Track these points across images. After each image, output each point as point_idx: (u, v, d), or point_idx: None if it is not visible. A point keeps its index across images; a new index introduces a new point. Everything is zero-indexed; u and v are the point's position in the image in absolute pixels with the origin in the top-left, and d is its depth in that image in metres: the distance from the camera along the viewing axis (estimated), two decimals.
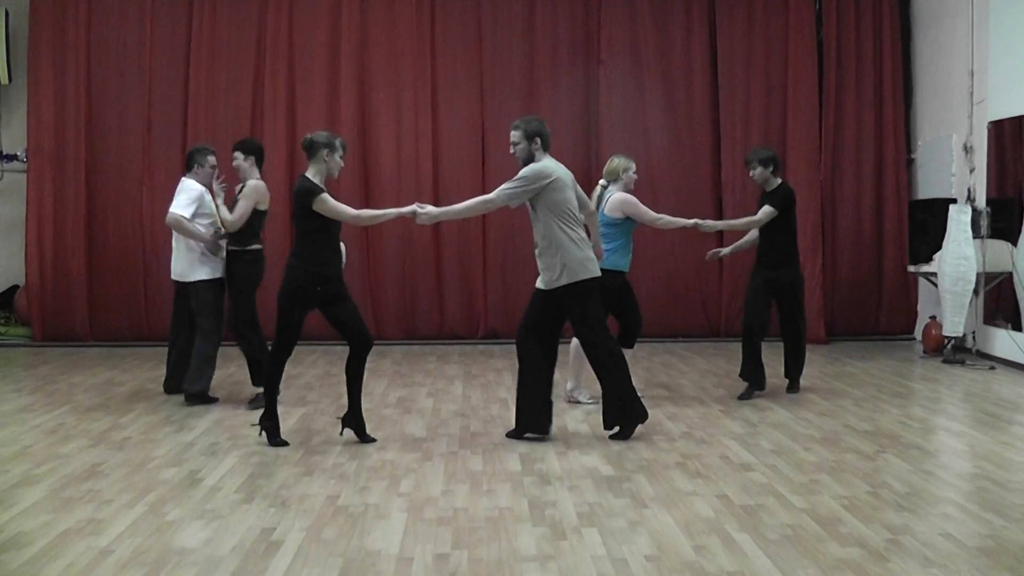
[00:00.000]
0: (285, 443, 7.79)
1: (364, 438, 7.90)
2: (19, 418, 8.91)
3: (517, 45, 13.98)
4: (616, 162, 9.49)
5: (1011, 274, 11.64)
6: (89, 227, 13.65)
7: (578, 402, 9.49)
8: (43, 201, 13.62)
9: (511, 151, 7.91)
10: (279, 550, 5.42)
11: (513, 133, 7.87)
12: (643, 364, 11.64)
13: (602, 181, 9.53)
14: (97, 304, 13.71)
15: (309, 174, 7.73)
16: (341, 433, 7.95)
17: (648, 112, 13.95)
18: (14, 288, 14.04)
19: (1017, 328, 11.51)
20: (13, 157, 13.82)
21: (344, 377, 7.99)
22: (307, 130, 13.62)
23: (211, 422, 8.65)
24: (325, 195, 7.63)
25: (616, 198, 9.27)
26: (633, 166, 9.52)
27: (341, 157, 7.85)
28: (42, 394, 10.11)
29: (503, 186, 7.81)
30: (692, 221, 9.78)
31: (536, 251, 7.92)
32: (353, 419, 7.93)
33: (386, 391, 10.17)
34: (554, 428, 8.14)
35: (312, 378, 10.99)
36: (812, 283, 13.61)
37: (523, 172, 7.76)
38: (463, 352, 13.06)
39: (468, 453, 7.60)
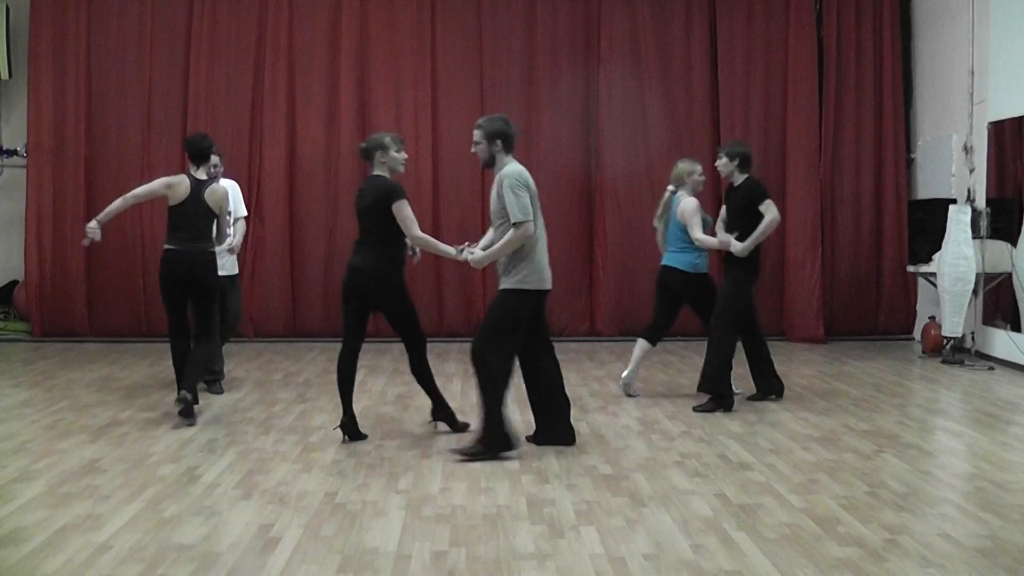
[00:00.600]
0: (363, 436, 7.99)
1: (455, 427, 8.18)
2: (18, 413, 8.91)
3: (517, 44, 13.98)
4: (681, 167, 9.59)
5: (1010, 275, 11.64)
6: (88, 222, 13.61)
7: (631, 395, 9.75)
8: (43, 197, 13.62)
9: (472, 150, 7.70)
10: (277, 547, 5.42)
11: (475, 132, 7.60)
12: (643, 365, 11.63)
13: (670, 187, 9.60)
14: (96, 300, 13.71)
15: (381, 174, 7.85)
16: (435, 427, 8.20)
17: (648, 111, 13.95)
18: (13, 283, 14.04)
19: (1016, 329, 11.51)
20: (13, 152, 13.83)
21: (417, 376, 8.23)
22: (307, 128, 13.77)
23: (209, 418, 8.65)
24: (406, 201, 7.74)
25: (683, 203, 9.39)
26: (699, 168, 9.56)
27: (398, 151, 7.88)
28: (41, 389, 10.11)
29: (514, 216, 7.35)
30: (725, 239, 9.23)
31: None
32: (441, 412, 8.24)
33: (385, 388, 10.18)
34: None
35: (311, 375, 11.00)
36: (811, 282, 13.66)
37: (512, 185, 7.38)
38: (462, 350, 12.97)
39: None
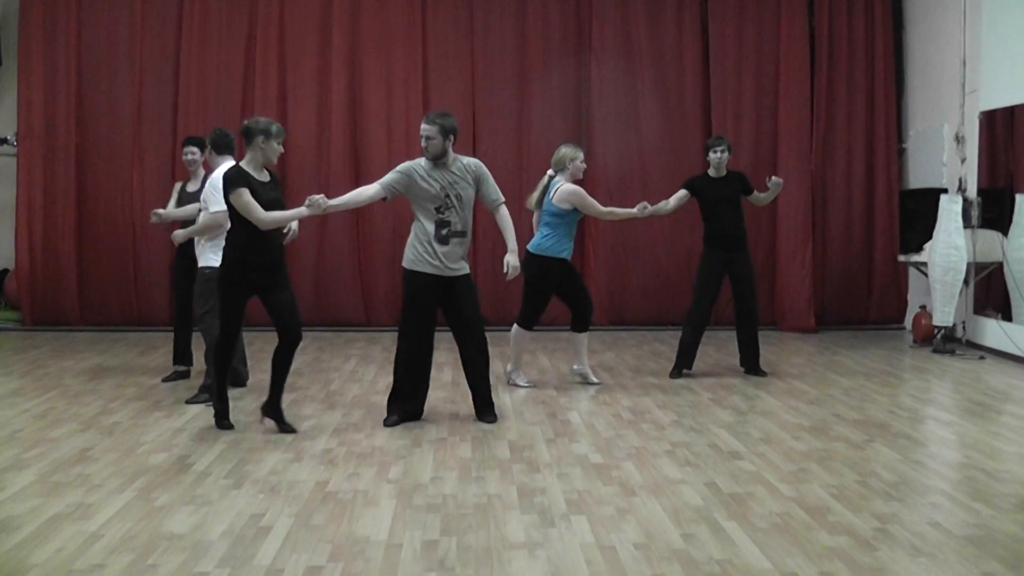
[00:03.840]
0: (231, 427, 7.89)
1: (284, 427, 7.84)
2: (9, 402, 8.89)
3: (509, 35, 13.94)
4: (563, 151, 9.52)
5: (1001, 264, 11.67)
6: (79, 211, 13.61)
7: (516, 385, 9.72)
8: (33, 185, 13.57)
9: (423, 144, 8.00)
10: (268, 535, 5.42)
11: (428, 128, 7.98)
12: (632, 352, 11.65)
13: (549, 171, 9.56)
14: (87, 288, 13.68)
15: (243, 163, 7.67)
16: (261, 421, 7.90)
17: (639, 102, 13.92)
18: (4, 272, 14.00)
19: (1007, 318, 11.54)
20: (3, 141, 13.75)
21: (271, 365, 7.87)
22: (298, 119, 13.72)
23: (200, 408, 8.62)
24: (243, 190, 7.46)
25: (564, 189, 9.32)
26: (581, 155, 9.53)
27: (279, 144, 7.69)
28: (32, 378, 10.10)
29: (498, 191, 8.34)
30: (636, 208, 9.75)
31: (462, 240, 8.11)
32: (272, 408, 7.88)
33: (376, 377, 10.16)
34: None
35: (301, 364, 10.96)
36: (802, 272, 13.68)
37: (485, 168, 8.26)
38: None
39: (457, 440, 7.60)
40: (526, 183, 13.80)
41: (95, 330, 13.41)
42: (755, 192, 10.27)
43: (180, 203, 9.63)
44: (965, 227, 11.71)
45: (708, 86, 14.00)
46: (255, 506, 5.95)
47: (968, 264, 11.71)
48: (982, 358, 11.34)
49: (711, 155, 10.11)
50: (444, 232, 8.02)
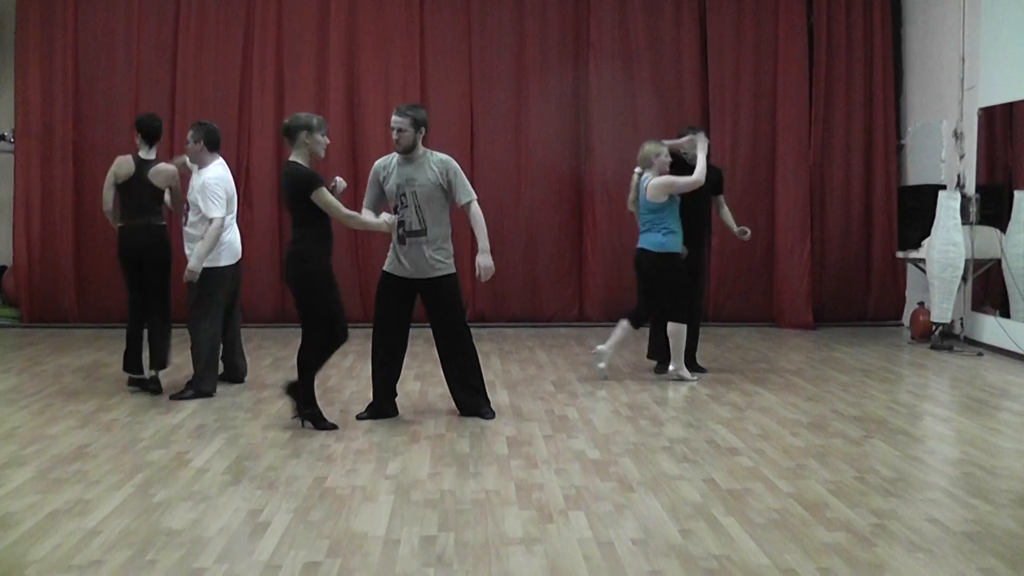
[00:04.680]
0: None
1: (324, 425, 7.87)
2: (7, 399, 8.89)
3: (507, 34, 13.90)
4: (646, 149, 9.72)
5: (999, 261, 11.67)
6: (77, 208, 13.57)
7: (683, 379, 9.72)
8: (31, 182, 13.54)
9: (394, 137, 7.94)
10: (266, 531, 5.43)
11: (400, 120, 7.91)
12: (631, 348, 11.63)
13: (637, 169, 9.75)
14: (85, 285, 13.66)
15: (295, 158, 7.67)
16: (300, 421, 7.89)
17: (637, 99, 13.88)
18: (2, 269, 13.99)
19: (1005, 315, 11.54)
20: (1, 138, 13.75)
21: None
22: (296, 112, 13.66)
23: (198, 404, 8.63)
24: (323, 188, 7.60)
25: (654, 184, 9.49)
26: (664, 151, 9.66)
27: (323, 135, 7.74)
28: (29, 375, 10.10)
29: (468, 190, 8.10)
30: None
31: (420, 239, 7.97)
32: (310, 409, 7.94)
33: None
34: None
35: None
36: (800, 268, 13.66)
37: (455, 165, 8.05)
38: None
39: (455, 436, 7.61)
40: (525, 182, 13.84)
41: (93, 327, 13.39)
42: (723, 201, 10.42)
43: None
44: (963, 223, 11.71)
45: (706, 84, 13.98)
46: (253, 502, 5.95)
47: (966, 260, 11.71)
48: (980, 354, 11.34)
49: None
50: (400, 232, 7.96)
